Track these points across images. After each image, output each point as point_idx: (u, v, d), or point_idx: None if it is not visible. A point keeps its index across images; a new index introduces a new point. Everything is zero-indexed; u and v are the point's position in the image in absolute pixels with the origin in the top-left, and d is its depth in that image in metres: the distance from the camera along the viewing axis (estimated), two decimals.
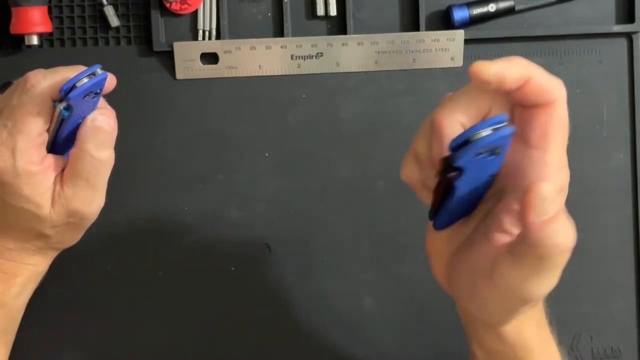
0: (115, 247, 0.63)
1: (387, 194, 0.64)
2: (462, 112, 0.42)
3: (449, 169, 0.40)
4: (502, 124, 0.38)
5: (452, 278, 0.46)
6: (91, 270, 0.63)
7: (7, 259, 0.54)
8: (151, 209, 0.64)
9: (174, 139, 0.63)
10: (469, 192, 0.43)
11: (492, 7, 0.63)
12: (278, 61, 0.63)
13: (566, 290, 0.65)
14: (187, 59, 0.63)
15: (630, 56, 0.64)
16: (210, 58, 0.63)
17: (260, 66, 0.63)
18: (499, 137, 0.38)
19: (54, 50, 0.63)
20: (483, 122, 0.39)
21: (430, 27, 0.63)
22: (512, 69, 0.39)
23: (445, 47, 0.63)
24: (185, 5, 0.62)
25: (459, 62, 0.63)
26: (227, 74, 0.63)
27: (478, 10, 0.62)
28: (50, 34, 0.63)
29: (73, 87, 0.49)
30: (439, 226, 0.46)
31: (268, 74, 0.63)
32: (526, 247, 0.38)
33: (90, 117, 0.51)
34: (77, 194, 0.52)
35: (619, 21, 0.64)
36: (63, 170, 0.52)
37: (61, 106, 0.50)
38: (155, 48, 0.63)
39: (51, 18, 0.62)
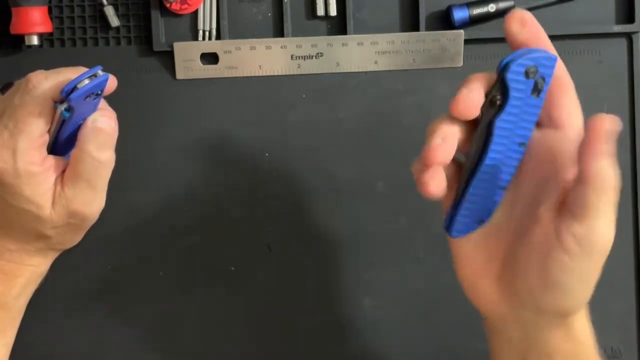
0: (115, 247, 0.63)
1: (387, 194, 0.64)
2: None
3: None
4: None
5: (513, 283, 0.45)
6: (91, 270, 0.63)
7: (7, 260, 0.54)
8: (151, 209, 0.64)
9: (174, 139, 0.63)
10: (481, 195, 0.44)
11: (492, 7, 0.63)
12: (278, 61, 0.63)
13: None
14: (187, 59, 0.63)
15: (630, 56, 0.64)
16: (210, 58, 0.63)
17: (260, 66, 0.63)
18: None
19: (54, 51, 0.63)
20: None
21: (430, 27, 0.63)
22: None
23: (445, 47, 0.63)
24: (185, 5, 0.62)
25: (459, 62, 0.63)
26: (227, 74, 0.63)
27: (478, 11, 0.62)
28: (51, 34, 0.63)
29: (74, 88, 0.49)
30: (457, 232, 0.46)
31: (268, 74, 0.63)
32: (584, 189, 0.41)
33: (91, 118, 0.52)
34: (77, 195, 0.52)
35: (619, 21, 0.64)
36: (64, 171, 0.52)
37: (62, 107, 0.50)
38: (156, 48, 0.63)
39: (51, 18, 0.62)
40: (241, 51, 0.63)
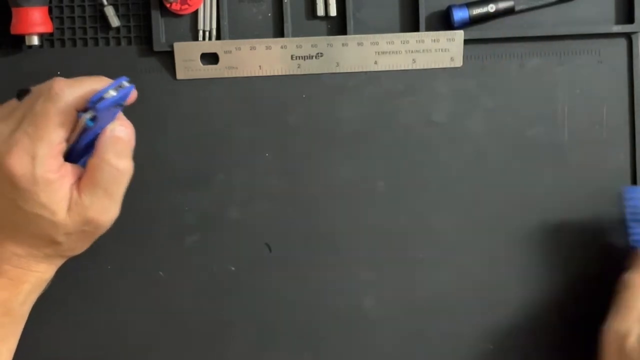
0: (115, 247, 0.63)
1: (387, 194, 0.64)
2: None
3: None
4: None
5: None
6: (91, 270, 0.63)
7: (14, 265, 0.54)
8: (151, 209, 0.64)
9: (174, 139, 0.64)
10: None
11: (491, 8, 0.63)
12: (278, 61, 0.63)
13: (566, 290, 0.65)
14: (187, 59, 0.63)
15: (629, 56, 0.64)
16: (211, 58, 0.63)
17: (260, 66, 0.63)
18: None
19: (54, 51, 0.63)
20: None
21: (430, 27, 0.63)
22: None
23: (445, 48, 0.63)
24: (186, 6, 0.62)
25: (458, 63, 0.63)
26: (227, 74, 0.63)
27: (478, 11, 0.62)
28: (51, 34, 0.63)
29: (101, 98, 0.50)
30: None
31: (268, 74, 0.63)
32: None
33: (109, 127, 0.52)
34: (94, 202, 0.52)
35: (619, 21, 0.64)
36: (79, 179, 0.53)
37: (87, 116, 0.50)
38: (156, 48, 0.63)
39: (51, 18, 0.62)
40: (241, 51, 0.63)
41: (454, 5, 0.62)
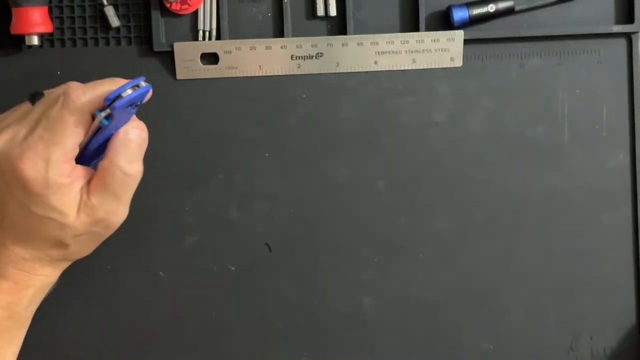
0: (116, 247, 0.63)
1: (387, 194, 0.64)
2: None
3: None
4: None
5: None
6: (91, 270, 0.63)
7: (20, 269, 0.54)
8: (151, 209, 0.64)
9: (174, 139, 0.64)
10: None
11: (491, 8, 0.63)
12: (278, 61, 0.63)
13: (566, 290, 0.65)
14: (188, 59, 0.63)
15: (629, 56, 0.64)
16: (211, 58, 0.63)
17: (260, 66, 0.63)
18: None
19: (54, 51, 0.63)
20: None
21: (430, 27, 0.63)
22: None
23: (445, 47, 0.63)
24: (186, 6, 0.62)
25: (458, 62, 0.63)
26: (227, 74, 0.63)
27: (478, 11, 0.63)
28: (51, 34, 0.63)
29: (118, 96, 0.49)
30: None
31: (268, 74, 0.63)
32: None
33: (123, 129, 0.53)
34: (103, 204, 0.53)
35: (619, 21, 0.64)
36: (89, 180, 0.53)
37: (103, 114, 0.50)
38: (156, 48, 0.63)
39: (51, 18, 0.62)
40: (241, 51, 0.63)
41: (454, 5, 0.63)
